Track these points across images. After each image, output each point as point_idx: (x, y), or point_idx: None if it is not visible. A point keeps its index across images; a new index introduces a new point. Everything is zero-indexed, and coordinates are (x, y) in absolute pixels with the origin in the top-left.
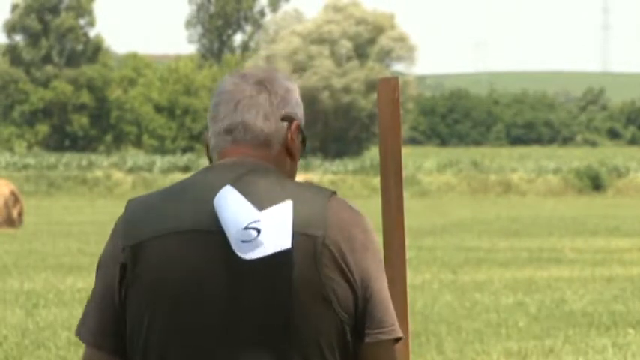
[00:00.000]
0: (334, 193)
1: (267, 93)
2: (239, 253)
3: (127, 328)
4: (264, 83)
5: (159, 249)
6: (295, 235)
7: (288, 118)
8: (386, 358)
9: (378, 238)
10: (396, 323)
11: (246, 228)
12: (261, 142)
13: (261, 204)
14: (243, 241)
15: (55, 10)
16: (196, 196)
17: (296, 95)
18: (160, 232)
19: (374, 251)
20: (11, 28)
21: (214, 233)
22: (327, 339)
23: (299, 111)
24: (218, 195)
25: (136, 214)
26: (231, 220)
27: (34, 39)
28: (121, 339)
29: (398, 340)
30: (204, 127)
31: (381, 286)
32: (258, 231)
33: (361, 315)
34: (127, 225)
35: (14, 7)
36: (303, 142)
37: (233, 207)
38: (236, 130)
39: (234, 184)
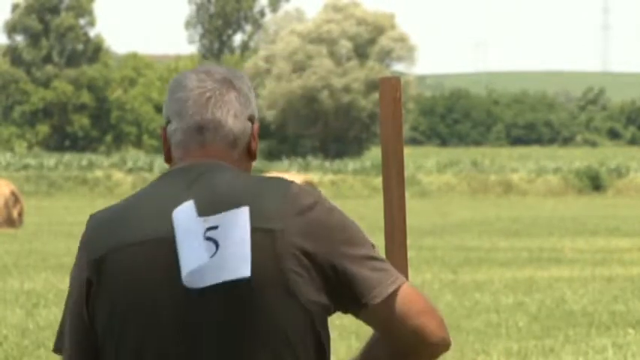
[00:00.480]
0: (292, 182)
1: (235, 91)
2: (189, 284)
3: (98, 341)
4: (231, 81)
5: (122, 260)
6: (254, 230)
7: (252, 119)
8: (393, 312)
9: (338, 209)
10: (389, 277)
11: (205, 238)
12: (229, 142)
13: (220, 203)
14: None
15: (55, 10)
16: (156, 204)
17: (253, 95)
18: (122, 243)
19: (339, 227)
20: (12, 28)
21: (174, 240)
22: (296, 333)
23: (256, 110)
24: (175, 212)
25: (96, 228)
26: (187, 246)
27: (34, 39)
28: (94, 353)
29: (399, 288)
30: None
31: (357, 253)
32: (217, 245)
33: (347, 291)
34: (88, 239)
35: (14, 7)
36: None
37: (188, 228)
38: (206, 129)
39: (192, 186)
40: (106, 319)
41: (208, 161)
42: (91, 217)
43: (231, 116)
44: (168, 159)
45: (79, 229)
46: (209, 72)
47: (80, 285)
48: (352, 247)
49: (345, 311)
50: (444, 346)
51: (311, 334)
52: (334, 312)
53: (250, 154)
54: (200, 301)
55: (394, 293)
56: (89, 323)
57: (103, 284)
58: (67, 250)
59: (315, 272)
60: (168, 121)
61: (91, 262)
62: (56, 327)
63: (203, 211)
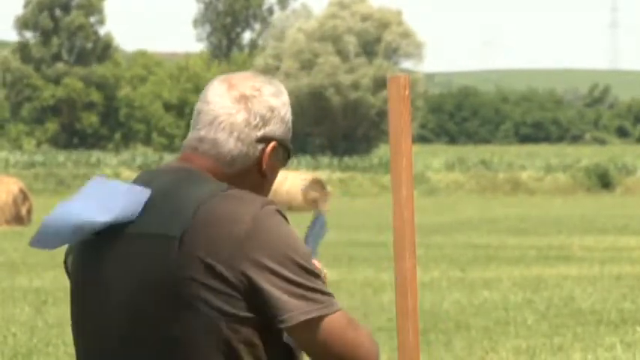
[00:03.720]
0: (229, 188)
1: (246, 113)
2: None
3: None
4: (246, 101)
5: (76, 254)
6: (153, 236)
7: (266, 140)
8: (309, 340)
9: (282, 226)
10: (310, 306)
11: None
12: (224, 161)
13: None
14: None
15: (65, 8)
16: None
17: (281, 111)
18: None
19: (262, 241)
20: (23, 25)
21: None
22: (197, 341)
23: (282, 127)
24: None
25: None
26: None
27: (44, 36)
28: None
29: (318, 319)
30: None
31: (279, 273)
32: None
33: (263, 308)
34: None
35: (27, 3)
36: (289, 154)
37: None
38: (206, 143)
39: (146, 186)
40: None
41: (182, 166)
42: None
43: (234, 139)
44: None
45: None
46: (231, 86)
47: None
48: (275, 267)
49: None
50: None
51: (214, 340)
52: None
53: (260, 173)
54: (107, 295)
55: (310, 322)
56: None
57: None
58: None
59: (223, 283)
60: None
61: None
62: (65, 325)
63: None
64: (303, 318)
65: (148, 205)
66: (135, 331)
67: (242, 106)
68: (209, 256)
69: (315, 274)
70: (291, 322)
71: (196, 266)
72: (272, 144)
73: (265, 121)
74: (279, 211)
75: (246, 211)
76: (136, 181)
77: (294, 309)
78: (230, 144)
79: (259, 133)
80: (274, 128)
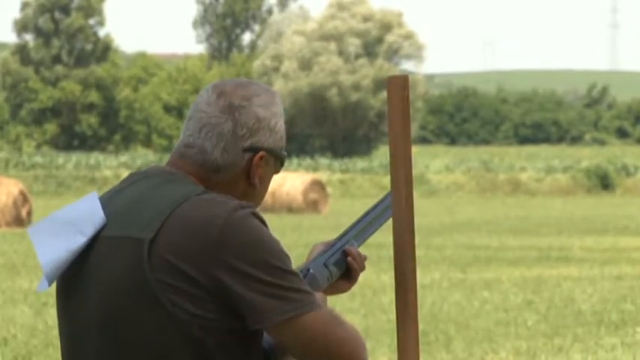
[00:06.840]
0: (205, 192)
1: (233, 123)
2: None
3: None
4: (234, 111)
5: None
6: (126, 239)
7: (253, 149)
8: (288, 340)
9: (255, 228)
10: (287, 305)
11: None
12: (209, 168)
13: (120, 212)
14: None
15: (65, 10)
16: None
17: (270, 122)
18: None
19: (232, 244)
20: (22, 27)
21: (95, 239)
22: (168, 343)
23: (271, 137)
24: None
25: None
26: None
27: (44, 39)
28: None
29: (296, 317)
30: None
31: (252, 275)
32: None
33: (236, 309)
34: None
35: (24, 6)
36: (281, 162)
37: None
38: (193, 149)
39: (124, 190)
40: None
41: (167, 170)
42: None
43: (220, 149)
44: None
45: None
46: (220, 95)
47: None
48: (247, 269)
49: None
50: None
51: (185, 341)
52: (247, 326)
53: (249, 182)
54: (87, 296)
55: (288, 321)
56: None
57: None
58: None
59: (194, 286)
60: None
61: None
62: None
63: (109, 217)
64: (279, 318)
65: (125, 209)
66: (108, 333)
67: (229, 115)
68: (180, 259)
69: (291, 273)
70: (267, 322)
71: (166, 269)
72: (260, 154)
73: (252, 132)
74: (254, 213)
75: (218, 214)
76: (122, 182)
77: (269, 310)
78: (216, 153)
79: (246, 144)
80: (262, 138)
